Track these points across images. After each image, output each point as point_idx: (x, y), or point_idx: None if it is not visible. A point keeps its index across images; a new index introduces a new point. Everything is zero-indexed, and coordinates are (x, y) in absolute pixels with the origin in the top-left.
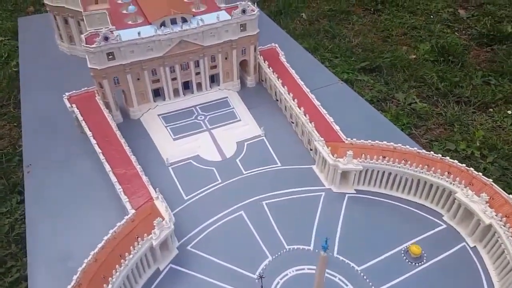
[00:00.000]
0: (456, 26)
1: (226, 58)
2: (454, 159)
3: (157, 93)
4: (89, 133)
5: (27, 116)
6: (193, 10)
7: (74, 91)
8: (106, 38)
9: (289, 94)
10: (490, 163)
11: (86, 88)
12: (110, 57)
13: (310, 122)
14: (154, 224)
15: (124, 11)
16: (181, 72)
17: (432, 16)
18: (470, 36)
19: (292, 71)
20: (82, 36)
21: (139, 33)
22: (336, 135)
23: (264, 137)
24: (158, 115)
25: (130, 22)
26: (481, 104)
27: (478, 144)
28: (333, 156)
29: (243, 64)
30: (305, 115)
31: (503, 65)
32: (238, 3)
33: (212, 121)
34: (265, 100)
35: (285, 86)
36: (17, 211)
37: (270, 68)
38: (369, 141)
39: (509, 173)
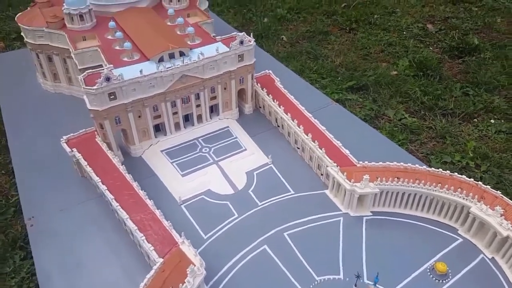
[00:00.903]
0: (427, 41)
1: (225, 88)
2: (452, 171)
3: (158, 128)
4: (96, 179)
5: (17, 162)
6: (189, 43)
7: (71, 134)
8: (108, 79)
9: (293, 120)
10: (485, 171)
11: (84, 130)
12: (111, 97)
13: (321, 149)
14: (187, 272)
15: (117, 47)
16: (182, 106)
17: (404, 33)
18: (441, 49)
19: (291, 97)
20: (80, 77)
21: (141, 71)
22: (347, 159)
23: (272, 165)
24: (161, 151)
25: (126, 59)
26: (465, 115)
27: (471, 155)
28: (349, 181)
29: (240, 92)
30: (313, 141)
31: (476, 76)
32: (234, 33)
33: (217, 153)
34: (265, 127)
35: (288, 113)
36: (23, 269)
37: (270, 95)
38: (380, 162)
39: (504, 180)
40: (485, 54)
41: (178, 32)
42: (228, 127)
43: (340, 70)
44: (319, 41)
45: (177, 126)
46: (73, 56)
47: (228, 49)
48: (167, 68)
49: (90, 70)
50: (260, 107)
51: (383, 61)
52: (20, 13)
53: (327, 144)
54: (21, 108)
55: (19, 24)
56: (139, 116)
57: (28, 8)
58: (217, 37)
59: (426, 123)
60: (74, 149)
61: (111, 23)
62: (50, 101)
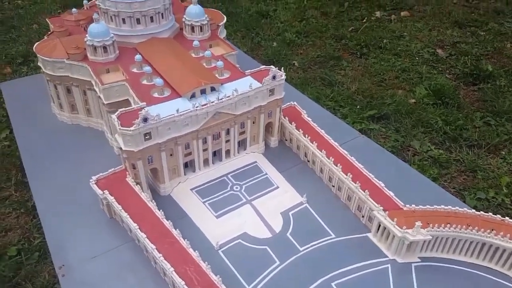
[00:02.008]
0: (439, 66)
1: (253, 123)
2: (488, 209)
3: (186, 165)
4: (133, 225)
5: (39, 200)
6: (217, 76)
7: (100, 174)
8: (145, 119)
9: (329, 158)
10: None
11: (113, 169)
12: (147, 137)
13: (364, 191)
14: None
15: (145, 82)
16: (212, 142)
17: (417, 58)
18: (455, 75)
19: (321, 131)
20: (114, 116)
21: (177, 111)
22: (392, 201)
23: (307, 204)
24: (191, 189)
25: (156, 95)
26: (490, 147)
27: (505, 191)
28: (400, 228)
29: (267, 126)
30: (354, 182)
31: (494, 105)
32: (262, 67)
33: (249, 191)
34: (293, 161)
35: (323, 150)
36: None
37: (300, 130)
38: (427, 206)
39: None
40: (500, 81)
41: (205, 65)
42: (256, 162)
43: (356, 98)
44: (332, 66)
45: (206, 162)
46: (97, 90)
47: (260, 85)
48: (202, 106)
49: (123, 109)
50: (286, 140)
51: (399, 88)
52: (38, 43)
53: (368, 184)
54: (38, 140)
55: (38, 54)
56: (171, 155)
57: (46, 37)
58: (246, 72)
59: (453, 156)
60: (106, 191)
61: (138, 56)
62: (68, 133)
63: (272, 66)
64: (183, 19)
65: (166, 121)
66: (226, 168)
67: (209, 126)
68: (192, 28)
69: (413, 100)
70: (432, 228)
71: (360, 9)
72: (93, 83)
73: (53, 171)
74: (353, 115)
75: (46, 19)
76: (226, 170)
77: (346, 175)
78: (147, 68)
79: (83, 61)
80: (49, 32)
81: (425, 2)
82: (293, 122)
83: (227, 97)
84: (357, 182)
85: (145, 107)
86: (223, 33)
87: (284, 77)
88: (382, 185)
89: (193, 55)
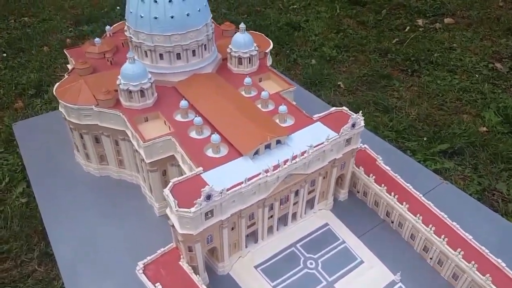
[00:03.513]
0: (501, 84)
1: (324, 178)
2: None
3: (247, 235)
4: None
5: (70, 280)
6: (278, 122)
7: (148, 258)
8: (209, 197)
9: (427, 227)
10: None
11: (162, 250)
12: (208, 216)
13: (483, 275)
14: None
15: (194, 134)
16: (280, 208)
17: (477, 76)
18: None
19: (402, 181)
20: (167, 192)
21: (246, 180)
22: (508, 279)
23: (401, 284)
24: (255, 267)
25: (211, 154)
26: None
27: None
28: None
29: (337, 178)
30: (468, 262)
31: None
32: (333, 109)
33: (328, 268)
34: (371, 220)
35: (419, 216)
36: None
37: (383, 186)
38: None
39: None
40: None
41: (260, 106)
42: (327, 224)
43: (419, 126)
44: (382, 87)
45: (270, 230)
46: (135, 144)
47: (336, 135)
48: (274, 170)
49: (176, 179)
50: (358, 192)
51: (463, 112)
52: (58, 84)
53: (480, 259)
54: (62, 197)
55: (60, 100)
56: (232, 228)
57: (66, 76)
58: (314, 116)
59: None
60: (158, 285)
61: (184, 103)
62: (98, 188)
63: (345, 108)
64: (228, 50)
65: (232, 195)
66: (293, 234)
67: (278, 191)
68: (240, 60)
69: (485, 129)
70: None
71: (400, 17)
72: (129, 134)
73: (83, 239)
74: (422, 150)
75: (64, 51)
76: (293, 238)
77: (456, 251)
78: (197, 120)
79: (116, 107)
80: (70, 69)
81: (468, 7)
82: (372, 176)
83: (302, 155)
84: (474, 263)
85: (201, 173)
86: (269, 61)
87: (363, 123)
88: (501, 262)
89: (243, 93)
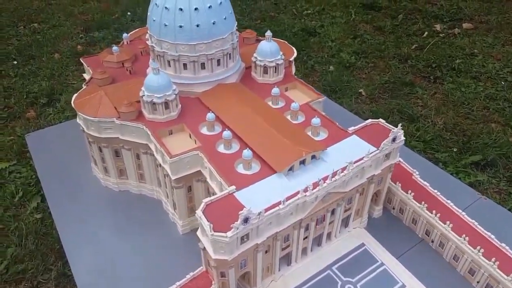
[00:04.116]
0: None
1: (360, 194)
2: None
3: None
4: None
5: None
6: (311, 135)
7: (177, 284)
8: (246, 220)
9: (475, 249)
10: None
11: (192, 274)
12: (244, 240)
13: None
14: None
15: (223, 149)
16: (315, 228)
17: (503, 83)
18: None
19: (449, 203)
20: (200, 212)
21: (284, 201)
22: None
23: None
24: None
25: (242, 171)
26: None
27: None
28: None
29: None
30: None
31: None
32: (368, 121)
33: None
34: (408, 239)
35: (466, 237)
36: None
37: (423, 202)
38: None
39: None
40: None
41: (289, 118)
42: (363, 244)
43: (446, 135)
44: (405, 94)
45: (303, 252)
46: (159, 159)
47: (376, 149)
48: (313, 189)
49: (208, 199)
50: (393, 209)
51: (491, 121)
52: (76, 95)
53: None
54: (79, 213)
55: (79, 112)
56: (266, 252)
57: (84, 86)
58: (349, 129)
59: None
60: None
61: (211, 116)
62: (117, 203)
63: (381, 120)
64: (253, 59)
65: (269, 216)
66: (328, 255)
67: (315, 211)
68: (265, 69)
69: None
70: None
71: (417, 22)
72: (153, 148)
73: (103, 259)
74: (453, 162)
75: (81, 60)
76: (328, 260)
77: (507, 275)
78: (226, 134)
79: (138, 120)
80: (87, 79)
81: (486, 12)
82: (410, 191)
83: (342, 173)
84: None
85: (234, 192)
86: (292, 69)
87: (403, 138)
88: None
89: (270, 104)
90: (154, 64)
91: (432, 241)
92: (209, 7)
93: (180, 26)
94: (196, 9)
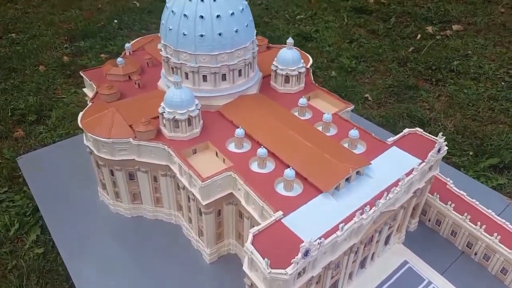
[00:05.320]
0: None
1: (403, 210)
2: None
3: None
4: None
5: None
6: (347, 147)
7: None
8: (307, 252)
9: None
10: None
11: None
12: (300, 274)
13: None
14: None
15: (256, 168)
16: (364, 250)
17: (502, 83)
18: None
19: (491, 212)
20: (250, 246)
21: (342, 228)
22: None
23: None
24: None
25: (284, 193)
26: None
27: None
28: None
29: None
30: None
31: None
32: (406, 131)
33: None
34: (448, 252)
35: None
36: None
37: (466, 214)
38: None
39: None
40: None
41: (322, 130)
42: (406, 262)
43: (458, 138)
44: (410, 98)
45: (350, 276)
46: (185, 183)
47: (422, 161)
48: (368, 210)
49: (255, 230)
50: (428, 221)
51: (499, 122)
52: (82, 114)
53: None
54: (89, 246)
55: (89, 134)
56: (317, 282)
57: (89, 103)
58: (388, 140)
59: None
60: None
61: (240, 131)
62: (131, 232)
63: (418, 129)
64: (273, 67)
65: (327, 246)
66: (374, 277)
67: (366, 234)
68: (287, 78)
69: None
70: None
71: (409, 25)
72: (176, 170)
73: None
74: (471, 166)
75: (81, 73)
76: (375, 282)
77: None
78: (261, 152)
79: (157, 139)
80: (92, 95)
81: (472, 14)
82: (450, 203)
83: (394, 189)
84: None
85: (282, 218)
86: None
87: (445, 148)
88: None
89: (297, 115)
90: (176, 78)
91: (475, 254)
92: (231, 14)
93: (201, 35)
94: (218, 16)
